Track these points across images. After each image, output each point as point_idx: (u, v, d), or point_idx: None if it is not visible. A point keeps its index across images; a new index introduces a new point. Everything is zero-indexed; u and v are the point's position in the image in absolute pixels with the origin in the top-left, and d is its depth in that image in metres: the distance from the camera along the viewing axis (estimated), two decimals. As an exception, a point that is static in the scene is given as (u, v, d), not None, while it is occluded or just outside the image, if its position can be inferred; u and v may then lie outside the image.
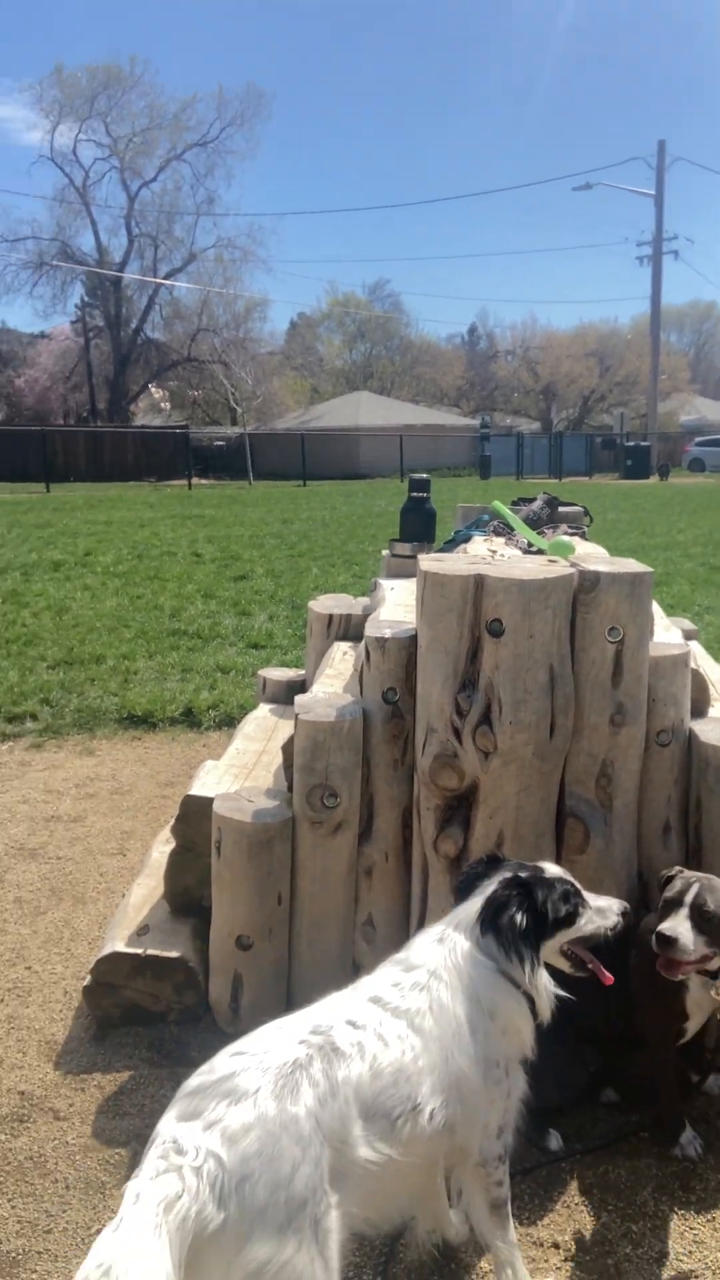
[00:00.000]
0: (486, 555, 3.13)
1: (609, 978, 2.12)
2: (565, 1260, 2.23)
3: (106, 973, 2.97)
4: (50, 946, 3.53)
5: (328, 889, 2.89)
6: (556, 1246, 2.26)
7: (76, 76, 45.87)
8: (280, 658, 7.33)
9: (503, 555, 3.14)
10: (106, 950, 3.01)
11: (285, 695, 4.28)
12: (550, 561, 2.76)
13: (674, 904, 2.28)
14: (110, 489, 28.29)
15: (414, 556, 4.13)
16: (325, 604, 4.25)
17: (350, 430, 39.44)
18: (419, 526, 4.11)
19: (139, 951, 2.98)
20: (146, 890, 3.39)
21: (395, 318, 62.31)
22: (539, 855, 2.61)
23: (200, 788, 3.19)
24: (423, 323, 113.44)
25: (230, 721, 6.02)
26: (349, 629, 4.12)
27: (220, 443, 40.85)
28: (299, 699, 2.96)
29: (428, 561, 2.69)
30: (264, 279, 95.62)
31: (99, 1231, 2.26)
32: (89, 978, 3.03)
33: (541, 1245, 2.27)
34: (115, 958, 2.98)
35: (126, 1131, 2.62)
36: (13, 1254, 2.24)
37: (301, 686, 4.28)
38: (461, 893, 2.11)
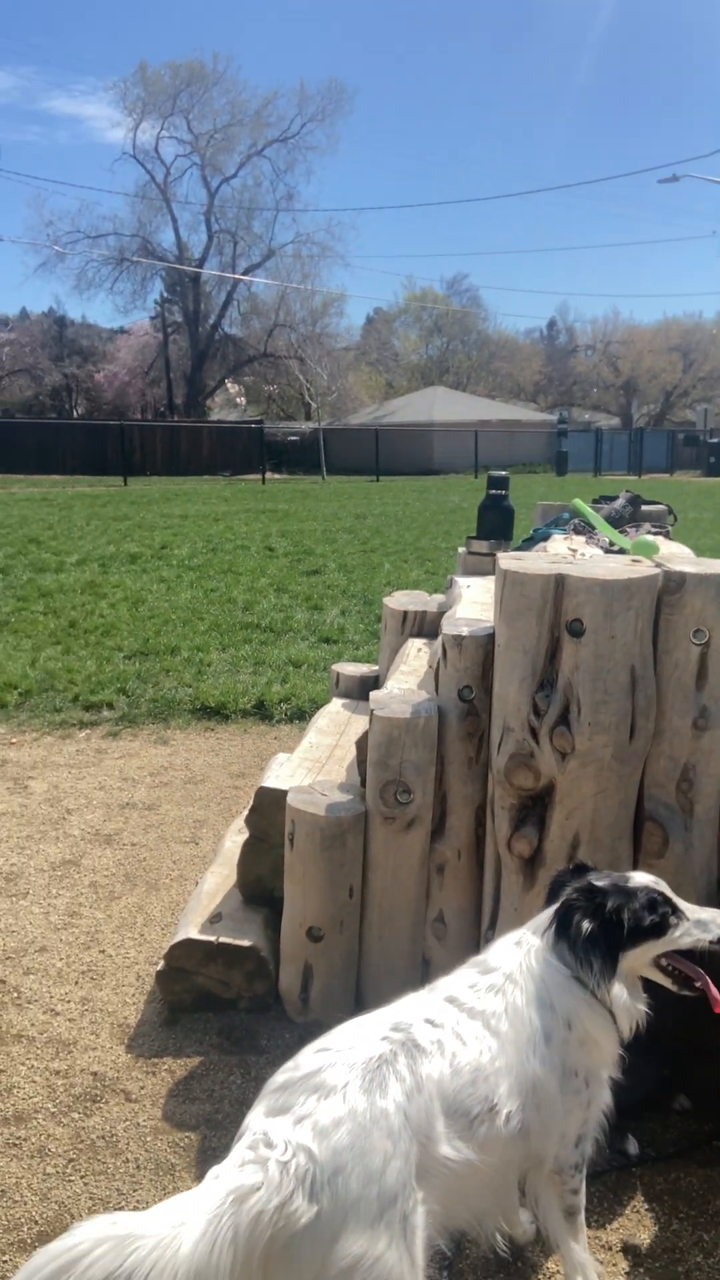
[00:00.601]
0: (567, 554, 3.09)
1: None
2: (634, 1265, 2.20)
3: (179, 958, 3.02)
4: (124, 931, 3.61)
5: (399, 884, 2.89)
6: (625, 1251, 2.23)
7: (160, 74, 46.55)
8: (352, 653, 7.35)
9: (584, 554, 3.09)
10: (180, 936, 3.06)
11: (358, 690, 4.29)
12: (634, 561, 2.71)
13: None
14: (186, 483, 28.69)
15: (491, 554, 4.11)
16: (400, 600, 4.25)
17: (424, 426, 39.30)
18: (497, 524, 4.08)
19: (211, 939, 3.02)
20: (219, 879, 3.43)
21: (473, 312, 61.91)
22: (616, 859, 2.58)
23: (274, 780, 3.21)
24: (501, 317, 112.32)
25: (302, 715, 6.07)
26: (424, 626, 4.11)
27: (294, 437, 41.11)
28: (374, 695, 2.96)
29: (507, 560, 2.66)
30: (341, 274, 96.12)
31: (169, 1211, 2.31)
32: (162, 963, 3.08)
33: (610, 1249, 2.24)
34: (188, 944, 3.02)
35: (196, 1116, 2.66)
36: (86, 1229, 2.29)
37: (375, 682, 4.29)
38: (550, 899, 2.08)
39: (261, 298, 49.51)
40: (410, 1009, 1.82)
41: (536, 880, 2.66)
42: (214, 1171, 1.51)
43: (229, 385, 54.68)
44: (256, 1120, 1.58)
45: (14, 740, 5.68)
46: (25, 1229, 2.30)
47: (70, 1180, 2.44)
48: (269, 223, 50.27)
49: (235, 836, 3.79)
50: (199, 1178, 2.43)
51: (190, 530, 15.05)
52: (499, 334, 63.09)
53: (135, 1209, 2.34)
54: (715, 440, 37.64)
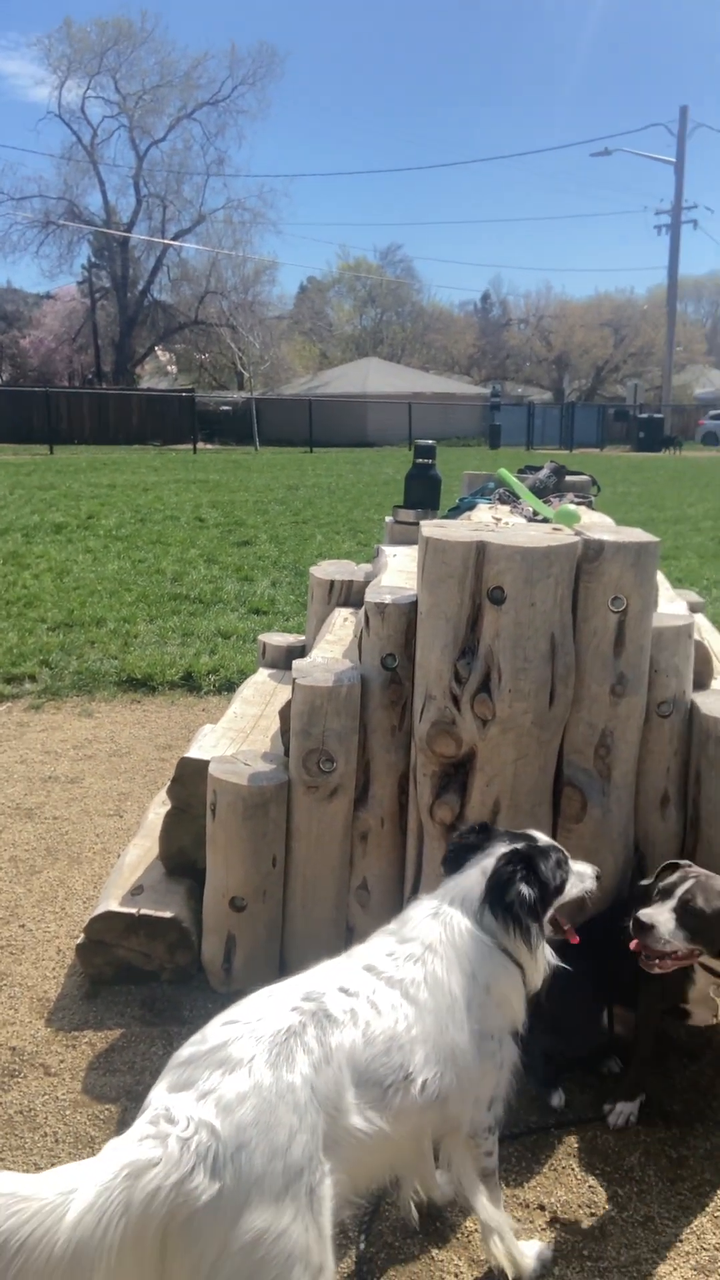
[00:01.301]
0: (490, 523, 3.10)
1: (575, 938, 2.16)
2: (551, 1222, 2.24)
3: (100, 931, 2.98)
4: (45, 905, 3.54)
5: (322, 853, 2.89)
6: (543, 1208, 2.28)
7: (86, 31, 45.12)
8: (282, 624, 7.30)
9: (507, 523, 3.10)
10: (100, 909, 3.02)
11: (285, 660, 4.26)
12: (555, 530, 2.72)
13: (664, 894, 2.25)
14: (114, 452, 28.14)
15: (417, 523, 4.09)
16: (327, 570, 4.22)
17: (359, 397, 39.12)
18: (423, 493, 4.06)
19: (133, 911, 2.98)
20: (142, 851, 3.39)
21: (407, 284, 61.67)
22: (536, 823, 2.60)
23: (196, 750, 3.17)
24: (435, 289, 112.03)
25: (230, 686, 6.01)
26: (350, 595, 4.09)
27: (226, 407, 40.56)
28: (297, 664, 2.93)
29: (430, 527, 2.65)
30: (274, 241, 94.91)
31: (87, 1186, 2.28)
32: (82, 936, 3.04)
33: (528, 1207, 2.28)
34: (109, 916, 2.98)
35: (117, 1088, 2.63)
36: (2, 1206, 2.26)
37: (301, 652, 4.26)
38: (451, 863, 2.08)
39: (192, 264, 48.65)
40: (324, 977, 1.80)
41: (458, 846, 2.68)
42: (112, 1144, 1.48)
43: (159, 353, 53.66)
44: (159, 1095, 1.55)
45: (-68, 714, 5.53)
46: (-62, 1208, 2.25)
47: (-14, 1157, 2.40)
48: (199, 187, 49.52)
49: (159, 809, 3.74)
50: (119, 1150, 2.41)
51: (118, 500, 14.76)
52: (433, 306, 63.08)
53: (53, 1184, 2.32)
54: (644, 416, 38.24)
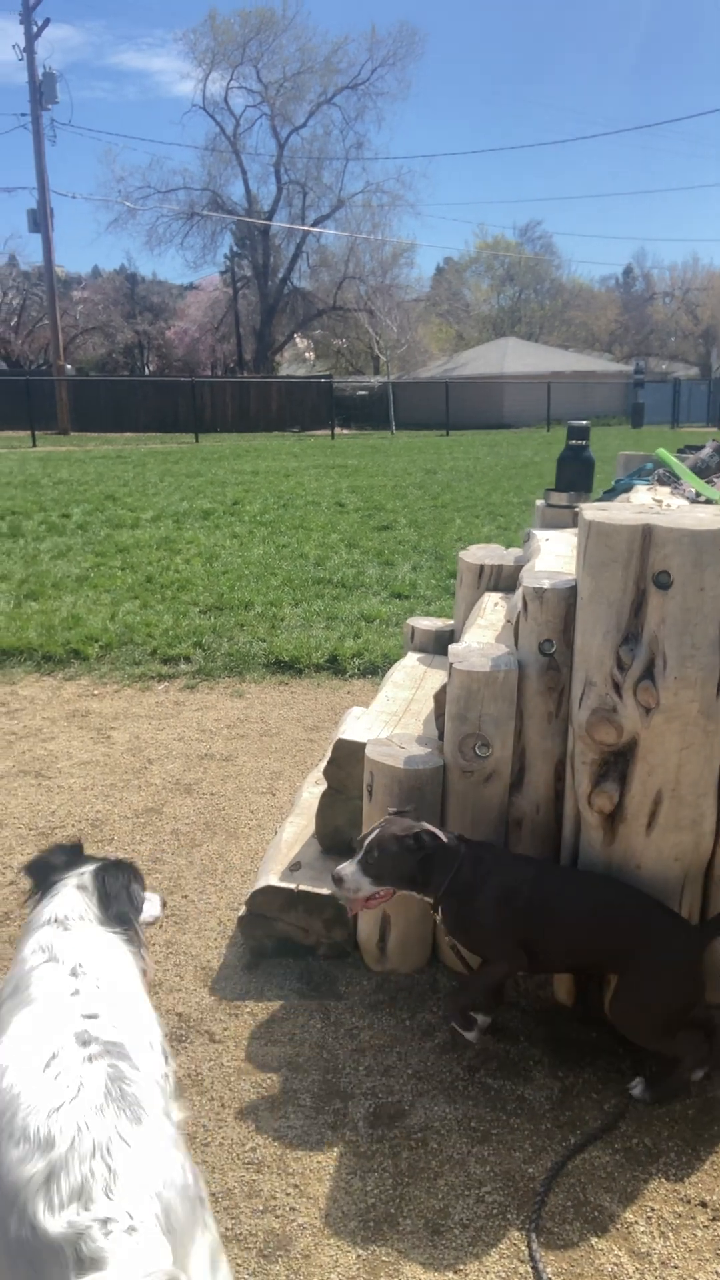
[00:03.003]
0: (652, 505, 3.02)
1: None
2: (713, 1219, 2.20)
3: (261, 905, 3.08)
4: (205, 877, 3.69)
5: (476, 837, 2.89)
6: (704, 1205, 2.24)
7: (229, 23, 45.87)
8: (424, 608, 7.33)
9: (669, 505, 3.01)
10: (261, 883, 3.12)
11: (433, 645, 4.27)
12: (723, 511, 2.63)
13: (359, 845, 2.60)
14: (255, 439, 28.74)
15: (570, 507, 4.04)
16: (476, 554, 4.21)
17: (495, 378, 38.60)
18: (576, 475, 3.99)
19: (292, 886, 3.07)
20: (297, 829, 3.48)
21: (546, 260, 60.30)
22: (699, 816, 2.54)
23: (352, 732, 3.23)
24: (575, 265, 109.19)
25: (374, 670, 6.08)
26: (500, 580, 4.06)
27: (363, 392, 40.77)
28: (453, 648, 2.94)
29: (592, 510, 2.61)
30: (412, 224, 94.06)
31: (253, 1148, 2.39)
32: (244, 908, 3.15)
33: (689, 1203, 2.25)
34: (269, 891, 3.08)
35: (279, 1058, 2.72)
36: (174, 1160, 2.38)
37: (450, 637, 4.27)
38: (38, 876, 2.24)
39: (331, 249, 48.94)
40: (56, 1017, 1.76)
41: (617, 835, 2.64)
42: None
43: (297, 340, 54.33)
44: (74, 1218, 1.40)
45: (96, 692, 5.82)
46: (117, 1158, 2.39)
47: (158, 1114, 2.53)
48: (339, 172, 49.71)
49: (312, 788, 3.83)
50: (281, 1118, 2.50)
51: (261, 486, 15.09)
52: (573, 282, 61.45)
53: (221, 1145, 2.43)
54: None
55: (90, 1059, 1.61)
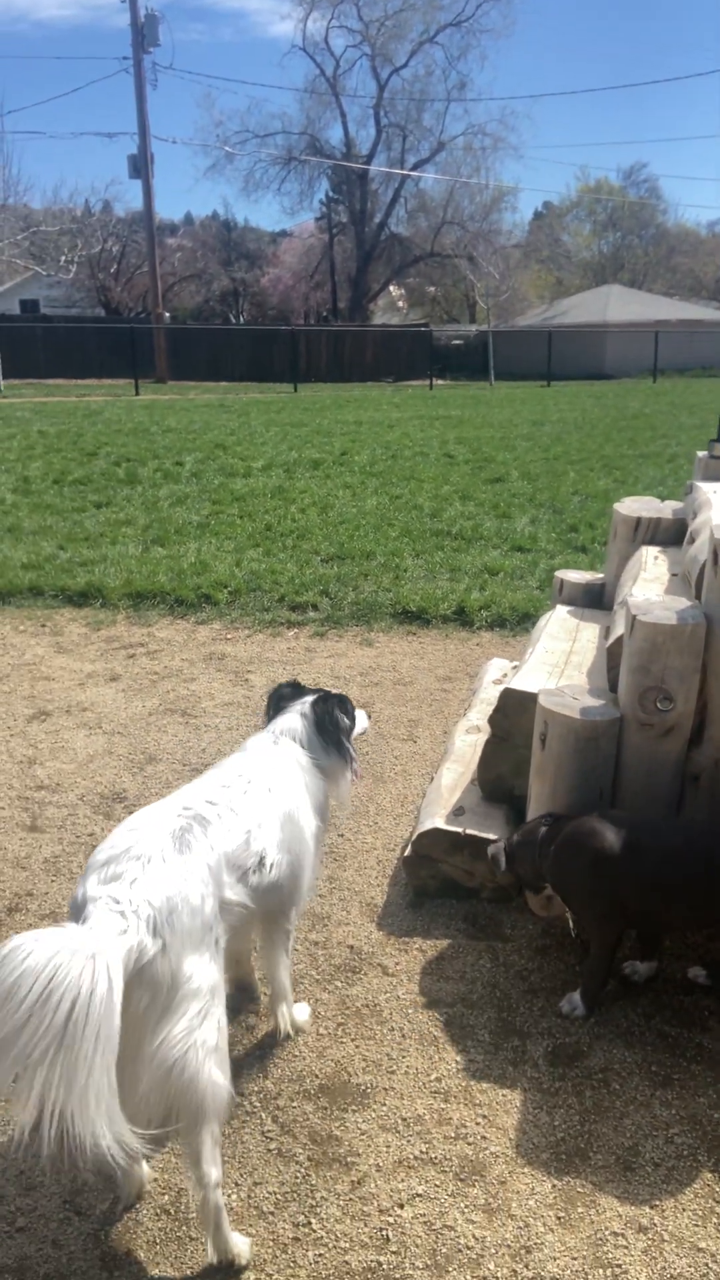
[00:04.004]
0: None
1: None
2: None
3: (427, 846, 3.15)
4: (358, 819, 3.77)
5: (651, 790, 2.89)
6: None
7: (332, -40, 44.68)
8: (547, 561, 7.25)
9: None
10: (427, 825, 3.18)
11: (583, 598, 4.24)
12: None
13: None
14: (353, 389, 28.58)
15: (737, 458, 3.93)
16: (632, 506, 4.14)
17: (598, 326, 37.46)
18: (743, 426, 3.87)
19: (459, 830, 3.12)
20: (455, 775, 3.53)
21: (651, 204, 57.86)
22: None
23: (520, 682, 3.24)
24: (682, 209, 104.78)
25: (502, 623, 6.07)
26: (657, 533, 4.00)
27: (458, 341, 40.05)
28: (634, 600, 2.92)
29: None
30: (514, 166, 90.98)
31: (438, 1078, 2.47)
32: (409, 849, 3.22)
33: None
34: (435, 834, 3.14)
35: (452, 994, 2.80)
36: (362, 1087, 2.48)
37: (601, 590, 4.23)
38: (272, 709, 2.67)
39: (429, 194, 47.85)
40: (192, 794, 2.23)
41: None
42: (86, 923, 1.80)
43: (392, 288, 53.51)
44: (95, 889, 1.88)
45: (229, 636, 5.94)
46: (307, 1081, 2.51)
47: (342, 1042, 2.63)
48: (439, 115, 48.34)
49: (464, 735, 3.87)
50: (461, 1051, 2.58)
51: (366, 437, 15.04)
52: (679, 227, 58.84)
53: (406, 1073, 2.51)
54: None
55: (179, 816, 2.11)
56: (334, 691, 2.70)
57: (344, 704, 2.66)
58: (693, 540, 3.32)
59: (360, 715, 2.79)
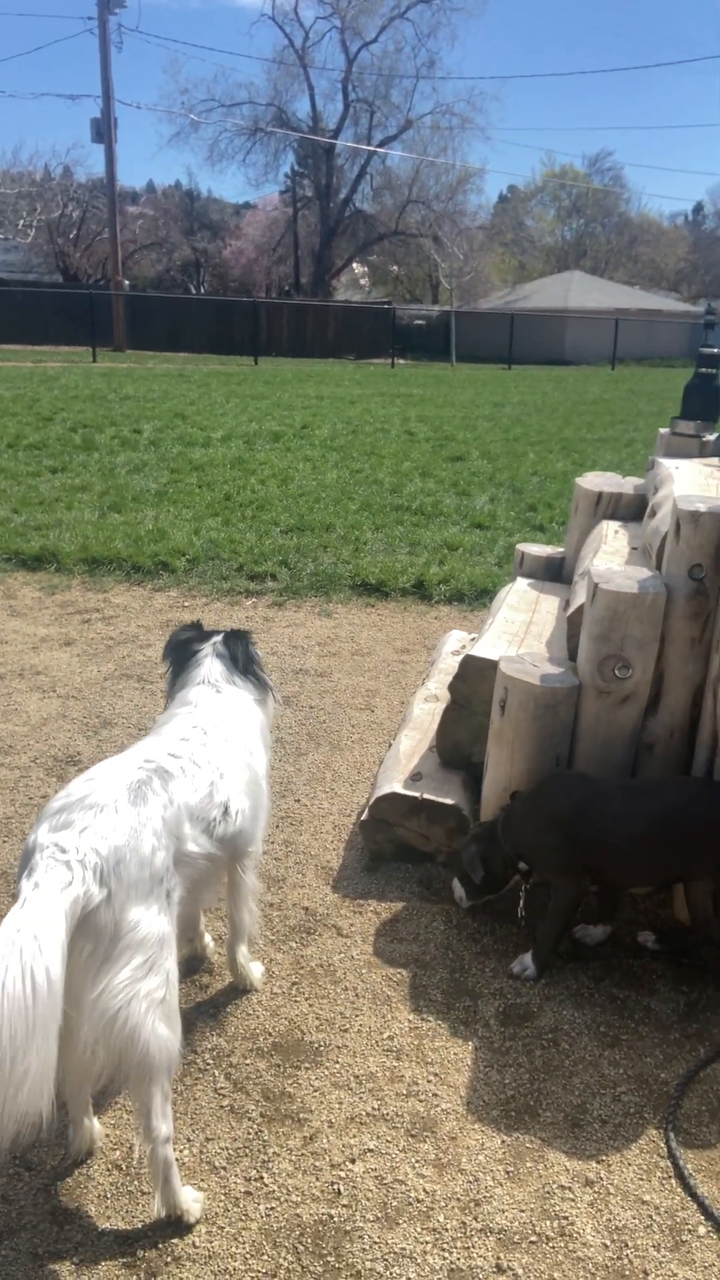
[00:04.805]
0: None
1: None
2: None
3: (384, 810, 3.15)
4: (315, 785, 3.77)
5: (606, 758, 2.92)
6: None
7: None
8: (505, 539, 7.28)
9: None
10: (384, 790, 3.19)
11: (543, 571, 4.26)
12: None
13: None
14: (314, 364, 28.35)
15: (698, 436, 3.97)
16: (594, 481, 4.17)
17: (559, 312, 37.59)
18: (704, 404, 3.92)
19: (416, 795, 3.13)
20: (413, 742, 3.54)
21: (615, 192, 58.09)
22: None
23: (480, 649, 3.25)
24: (645, 199, 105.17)
25: (460, 597, 6.08)
26: (618, 508, 4.03)
27: (420, 321, 39.91)
28: (595, 570, 2.94)
29: (762, 433, 2.56)
30: (481, 148, 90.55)
31: (390, 1037, 2.47)
32: (366, 813, 3.22)
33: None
34: (393, 798, 3.15)
35: (405, 955, 2.81)
36: (315, 1045, 2.49)
37: (561, 563, 4.26)
38: (177, 653, 2.66)
39: (395, 172, 47.45)
40: (153, 747, 2.22)
41: (758, 762, 2.66)
42: (32, 881, 1.79)
43: (355, 265, 53.11)
44: (45, 837, 1.87)
45: (186, 604, 5.88)
46: (261, 1039, 2.50)
47: (296, 1001, 2.63)
48: (408, 92, 47.98)
49: (423, 704, 3.88)
50: (414, 1010, 2.59)
51: (328, 411, 14.95)
52: (642, 217, 59.11)
53: (360, 1032, 2.52)
54: None
55: (140, 769, 2.09)
56: (234, 629, 2.75)
57: (248, 636, 2.74)
58: (654, 514, 3.35)
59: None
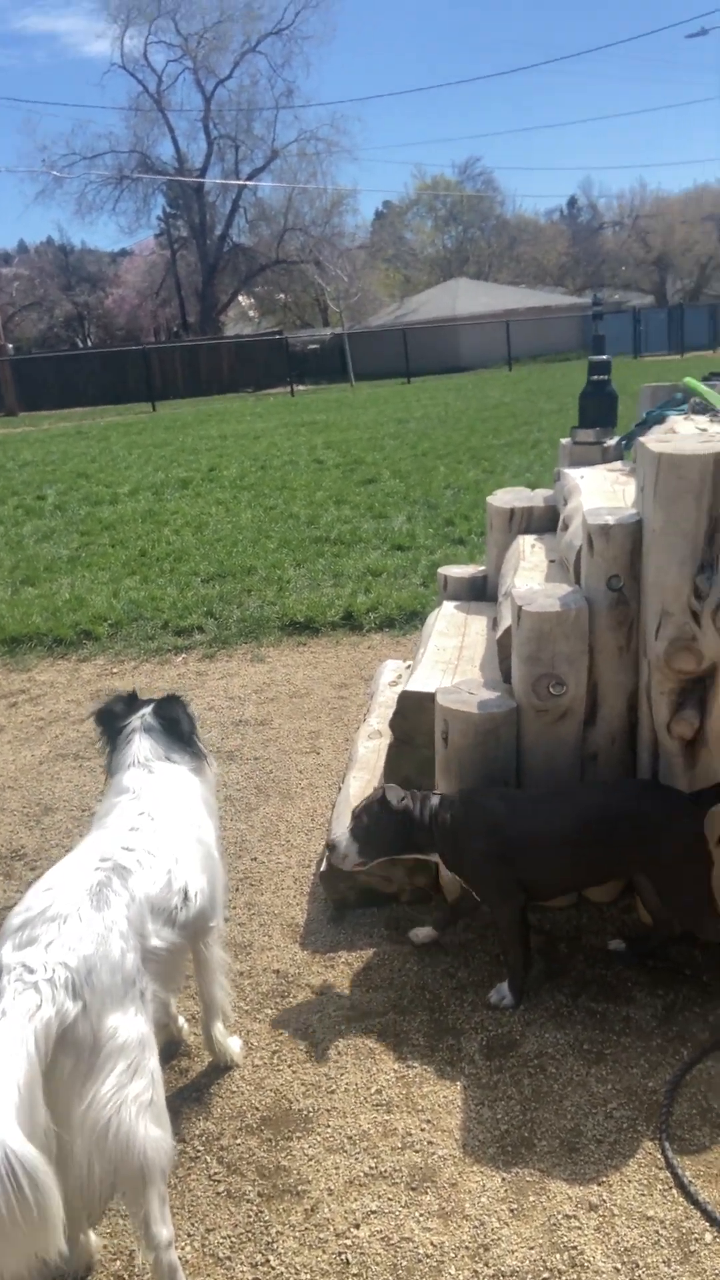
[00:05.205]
0: (697, 433, 3.05)
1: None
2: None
3: (342, 860, 3.13)
4: (269, 839, 3.74)
5: (553, 773, 2.95)
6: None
7: (141, -26, 44.25)
8: (427, 557, 7.34)
9: (715, 433, 3.04)
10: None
11: (467, 591, 4.30)
12: (781, 434, 2.66)
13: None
14: (213, 403, 28.37)
15: (598, 443, 4.06)
16: (504, 499, 4.23)
17: (450, 320, 38.21)
18: (601, 411, 4.01)
19: (372, 840, 3.11)
20: (361, 782, 3.53)
21: (488, 197, 59.37)
22: (782, 732, 2.60)
23: (416, 683, 3.26)
24: (519, 199, 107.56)
25: (391, 623, 6.11)
26: (531, 522, 4.09)
27: (314, 345, 40.24)
28: (517, 592, 2.97)
29: (657, 444, 2.63)
30: (351, 170, 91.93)
31: (378, 1090, 2.45)
32: (325, 864, 3.20)
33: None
34: (349, 846, 3.12)
35: (382, 1003, 2.80)
36: (304, 1112, 2.45)
37: (484, 582, 4.30)
38: (107, 726, 2.61)
39: (268, 202, 47.93)
40: (106, 843, 2.18)
41: (698, 760, 2.71)
42: (1, 1007, 1.73)
43: (241, 299, 53.36)
44: (9, 957, 1.83)
45: (115, 670, 5.80)
46: (248, 1115, 2.46)
47: (279, 1070, 2.59)
48: (270, 123, 48.57)
49: (366, 742, 3.88)
50: (398, 1059, 2.57)
51: (233, 450, 14.94)
52: (518, 218, 60.54)
53: (347, 1090, 2.49)
54: (757, 310, 35.89)
55: (97, 869, 2.05)
56: (165, 695, 2.67)
57: (181, 703, 2.66)
58: (566, 526, 3.41)
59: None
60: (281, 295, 51.12)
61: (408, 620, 6.06)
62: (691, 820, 2.59)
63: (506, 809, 2.71)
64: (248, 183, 47.02)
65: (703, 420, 3.35)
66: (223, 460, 13.66)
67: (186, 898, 2.22)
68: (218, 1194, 2.25)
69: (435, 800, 2.77)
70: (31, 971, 1.78)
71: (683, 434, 3.01)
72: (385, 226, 58.07)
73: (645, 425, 3.56)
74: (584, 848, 2.65)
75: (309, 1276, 2.04)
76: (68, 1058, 1.76)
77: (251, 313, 56.74)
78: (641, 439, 2.74)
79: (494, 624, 3.68)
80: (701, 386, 3.44)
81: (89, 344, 48.99)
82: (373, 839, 2.75)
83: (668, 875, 2.63)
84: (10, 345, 37.68)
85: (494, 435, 13.97)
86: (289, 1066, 2.60)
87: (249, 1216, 2.19)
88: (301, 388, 31.79)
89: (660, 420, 3.52)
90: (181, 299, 47.95)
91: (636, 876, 2.84)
